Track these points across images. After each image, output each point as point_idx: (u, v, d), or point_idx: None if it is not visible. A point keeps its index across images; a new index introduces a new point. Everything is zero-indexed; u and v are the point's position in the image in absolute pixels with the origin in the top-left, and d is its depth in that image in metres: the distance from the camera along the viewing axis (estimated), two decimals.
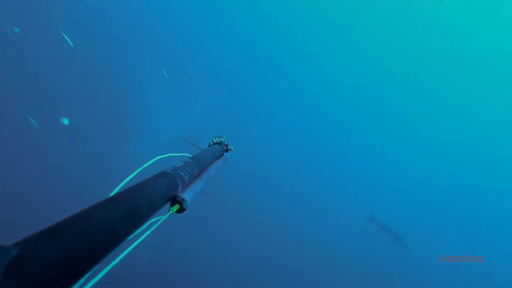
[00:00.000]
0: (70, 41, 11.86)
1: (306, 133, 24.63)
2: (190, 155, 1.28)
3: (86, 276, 0.46)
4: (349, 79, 24.45)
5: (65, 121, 12.90)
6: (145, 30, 17.67)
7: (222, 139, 2.03)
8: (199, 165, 1.24)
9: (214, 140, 1.99)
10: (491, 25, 21.53)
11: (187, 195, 0.95)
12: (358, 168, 24.56)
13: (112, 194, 0.65)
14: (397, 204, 22.24)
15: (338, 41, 23.41)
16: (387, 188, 23.77)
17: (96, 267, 0.49)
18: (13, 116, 12.92)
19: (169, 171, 0.92)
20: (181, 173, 0.98)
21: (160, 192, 0.78)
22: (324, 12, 22.14)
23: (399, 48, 23.47)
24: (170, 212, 0.87)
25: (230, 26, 21.30)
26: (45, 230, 0.42)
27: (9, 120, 12.73)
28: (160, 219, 0.77)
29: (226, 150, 2.03)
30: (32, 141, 13.30)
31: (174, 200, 0.90)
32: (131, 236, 0.61)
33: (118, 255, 0.57)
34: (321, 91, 24.68)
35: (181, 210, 0.91)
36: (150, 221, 0.72)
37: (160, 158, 1.16)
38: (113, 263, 0.54)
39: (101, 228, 0.50)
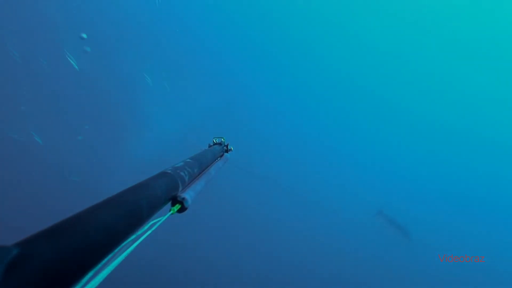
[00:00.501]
0: (75, 64, 12.24)
1: (308, 131, 24.68)
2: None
3: (87, 276, 0.46)
4: (350, 76, 24.40)
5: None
6: (144, 29, 17.65)
7: (222, 139, 2.02)
8: (199, 165, 1.23)
9: (214, 141, 1.98)
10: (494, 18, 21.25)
11: (187, 195, 0.94)
12: (359, 166, 24.64)
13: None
14: (403, 199, 22.43)
15: (338, 37, 23.36)
16: (392, 185, 23.94)
17: (97, 268, 0.48)
18: (14, 116, 12.93)
19: (169, 171, 0.92)
20: (181, 173, 0.98)
21: (161, 192, 0.78)
22: (323, 9, 22.12)
23: (399, 44, 23.39)
24: (171, 212, 0.87)
25: (229, 25, 21.27)
26: (45, 230, 0.42)
27: (9, 121, 12.74)
28: (161, 219, 0.77)
29: (227, 151, 2.02)
30: (32, 142, 13.31)
31: (174, 200, 0.90)
32: (132, 236, 0.61)
33: (118, 255, 0.57)
34: (322, 88, 24.66)
35: (182, 209, 0.91)
36: (151, 222, 0.71)
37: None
38: (114, 263, 0.54)
39: (101, 228, 0.49)
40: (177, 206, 0.89)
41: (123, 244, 0.57)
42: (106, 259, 0.51)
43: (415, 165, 25.32)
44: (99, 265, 0.49)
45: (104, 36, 16.22)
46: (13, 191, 11.13)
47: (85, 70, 14.52)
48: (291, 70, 23.80)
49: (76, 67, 13.07)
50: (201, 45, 20.26)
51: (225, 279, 12.65)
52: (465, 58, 22.90)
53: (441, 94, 24.06)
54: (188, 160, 1.15)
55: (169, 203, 0.89)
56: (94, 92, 15.76)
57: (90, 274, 0.47)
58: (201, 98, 20.31)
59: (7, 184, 11.08)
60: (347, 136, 25.38)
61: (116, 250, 0.54)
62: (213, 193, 14.15)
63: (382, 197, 22.29)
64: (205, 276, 12.29)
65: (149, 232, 0.69)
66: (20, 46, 13.08)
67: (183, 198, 0.91)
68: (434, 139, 25.05)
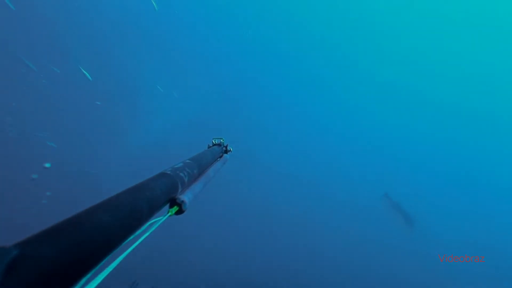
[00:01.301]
0: (88, 75, 12.41)
1: (309, 122, 24.61)
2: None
3: (87, 276, 0.46)
4: (347, 71, 24.28)
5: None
6: (143, 27, 17.60)
7: (222, 140, 2.00)
8: (199, 166, 1.23)
9: (214, 142, 1.97)
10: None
11: (186, 197, 0.94)
12: (361, 159, 24.61)
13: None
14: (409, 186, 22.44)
15: (336, 30, 23.20)
16: (397, 177, 23.95)
17: (96, 268, 0.49)
18: (13, 117, 12.93)
19: (169, 172, 0.92)
20: (181, 174, 0.97)
21: (160, 193, 0.78)
22: (319, 5, 22.02)
23: (399, 35, 23.22)
24: (169, 213, 0.86)
25: (229, 23, 21.22)
26: (45, 230, 0.42)
27: (9, 121, 12.74)
28: (159, 220, 0.77)
29: (226, 152, 2.01)
30: (32, 141, 13.30)
31: (173, 202, 0.90)
32: (131, 237, 0.61)
33: (118, 256, 0.57)
34: (322, 81, 24.56)
35: (180, 211, 0.91)
36: (149, 222, 0.71)
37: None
38: (113, 264, 0.54)
39: (101, 229, 0.50)
40: (175, 208, 0.89)
41: (122, 244, 0.57)
42: (105, 260, 0.51)
43: (418, 155, 25.21)
44: (98, 266, 0.49)
45: (105, 36, 16.22)
46: (12, 191, 11.12)
47: (86, 67, 14.51)
48: (288, 65, 23.67)
49: (90, 77, 13.23)
50: (200, 45, 20.23)
51: (226, 275, 12.61)
52: (466, 45, 22.54)
53: (463, 80, 23.21)
54: (188, 161, 1.15)
55: (168, 204, 0.89)
56: (94, 91, 15.75)
57: (90, 274, 0.47)
58: (201, 98, 20.29)
59: (7, 184, 11.06)
60: (349, 135, 25.29)
61: (115, 251, 0.54)
62: (216, 189, 14.19)
63: (384, 190, 22.25)
64: (205, 274, 12.25)
65: (147, 233, 0.69)
66: (21, 47, 13.09)
67: (182, 201, 0.91)
68: (442, 132, 24.82)
